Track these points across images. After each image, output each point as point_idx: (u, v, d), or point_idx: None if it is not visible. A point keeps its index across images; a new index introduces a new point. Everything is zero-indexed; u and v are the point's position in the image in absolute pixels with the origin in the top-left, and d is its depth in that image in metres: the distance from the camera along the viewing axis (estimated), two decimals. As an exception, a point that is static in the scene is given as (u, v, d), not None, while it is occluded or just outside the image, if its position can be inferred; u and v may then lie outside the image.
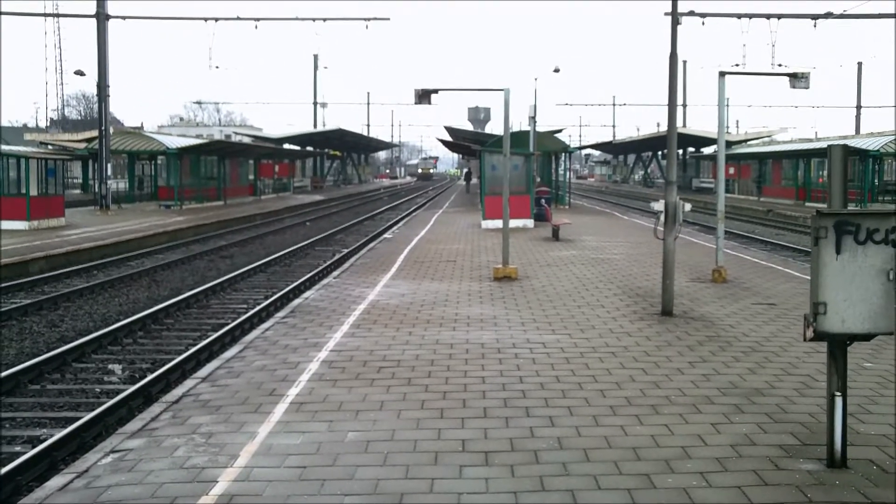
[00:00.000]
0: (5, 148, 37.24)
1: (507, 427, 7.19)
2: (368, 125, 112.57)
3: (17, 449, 8.78)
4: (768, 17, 37.30)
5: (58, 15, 70.11)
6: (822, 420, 6.97)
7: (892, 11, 38.43)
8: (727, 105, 16.12)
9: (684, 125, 71.89)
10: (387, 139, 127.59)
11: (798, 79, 15.14)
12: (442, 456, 6.50)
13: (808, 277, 9.36)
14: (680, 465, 6.29)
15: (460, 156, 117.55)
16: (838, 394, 6.19)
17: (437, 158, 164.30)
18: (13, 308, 15.81)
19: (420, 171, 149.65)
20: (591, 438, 6.90)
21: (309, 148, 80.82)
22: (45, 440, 8.74)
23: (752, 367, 9.25)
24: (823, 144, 45.91)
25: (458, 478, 6.07)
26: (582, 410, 7.67)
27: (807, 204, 45.28)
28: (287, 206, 48.24)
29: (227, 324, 14.74)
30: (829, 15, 36.19)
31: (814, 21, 36.50)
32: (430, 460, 6.42)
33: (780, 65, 37.02)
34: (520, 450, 6.62)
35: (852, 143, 42.81)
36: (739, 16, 37.27)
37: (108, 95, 38.26)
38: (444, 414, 7.58)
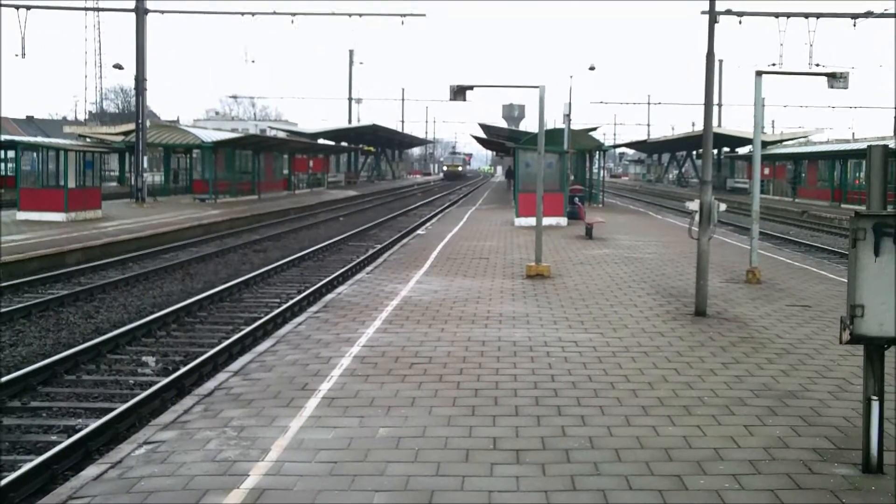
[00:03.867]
0: (45, 140, 37.75)
1: (539, 425, 7.18)
2: (403, 121, 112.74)
3: (54, 438, 8.91)
4: (806, 16, 36.96)
5: (98, 9, 70.59)
6: (857, 424, 6.91)
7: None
8: (763, 105, 15.96)
9: (719, 125, 71.29)
10: (421, 135, 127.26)
11: (837, 79, 14.97)
12: (473, 453, 6.50)
13: (844, 279, 9.24)
14: (712, 467, 6.25)
15: (494, 153, 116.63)
16: (875, 398, 6.12)
17: (470, 155, 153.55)
18: (51, 299, 16.01)
19: (447, 168, 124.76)
20: (622, 438, 6.87)
21: (343, 143, 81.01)
22: (80, 430, 8.85)
23: (785, 370, 9.17)
24: (860, 145, 45.36)
25: (489, 476, 6.07)
26: (614, 410, 7.65)
27: (842, 206, 44.78)
28: (321, 201, 48.42)
29: (260, 318, 14.82)
30: (868, 14, 35.80)
31: (853, 20, 36.13)
32: (461, 457, 6.42)
33: (817, 64, 36.68)
34: (551, 448, 6.61)
35: (892, 143, 42.25)
36: (777, 15, 36.96)
37: (146, 89, 38.62)
38: (476, 411, 7.58)
